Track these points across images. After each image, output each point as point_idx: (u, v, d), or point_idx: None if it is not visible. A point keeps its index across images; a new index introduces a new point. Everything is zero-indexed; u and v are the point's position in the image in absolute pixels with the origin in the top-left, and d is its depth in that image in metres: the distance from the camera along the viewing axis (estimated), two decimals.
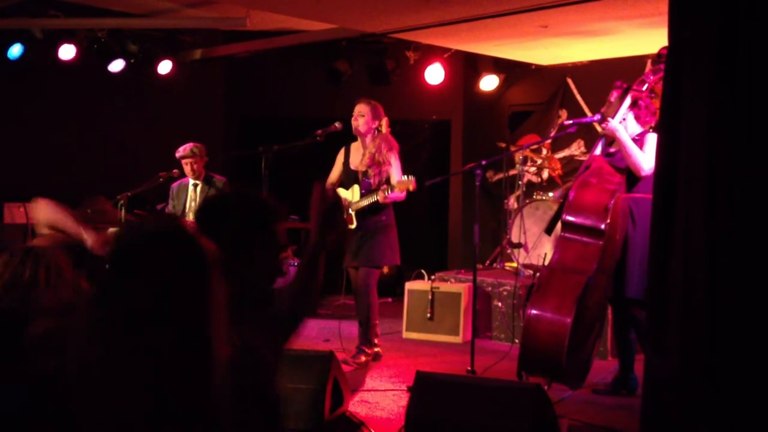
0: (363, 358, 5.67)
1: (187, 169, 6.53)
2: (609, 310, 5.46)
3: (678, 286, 2.91)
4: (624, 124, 4.80)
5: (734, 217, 2.76)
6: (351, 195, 5.75)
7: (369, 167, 5.66)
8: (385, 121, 5.73)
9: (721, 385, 2.78)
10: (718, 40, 2.79)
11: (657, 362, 3.05)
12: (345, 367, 5.53)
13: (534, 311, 4.56)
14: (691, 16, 2.91)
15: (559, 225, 4.81)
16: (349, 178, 5.82)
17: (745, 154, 2.75)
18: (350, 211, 5.70)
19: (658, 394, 3.03)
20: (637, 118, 4.84)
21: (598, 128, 7.91)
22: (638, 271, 4.58)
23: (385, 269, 6.06)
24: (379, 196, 5.51)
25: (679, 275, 2.90)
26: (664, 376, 2.97)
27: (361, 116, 5.67)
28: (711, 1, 2.83)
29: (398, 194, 5.55)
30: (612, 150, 4.95)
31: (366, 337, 5.72)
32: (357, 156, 5.79)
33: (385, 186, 5.57)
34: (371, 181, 5.65)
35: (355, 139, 5.84)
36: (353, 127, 5.71)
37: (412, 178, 5.48)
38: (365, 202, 5.63)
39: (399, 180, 5.51)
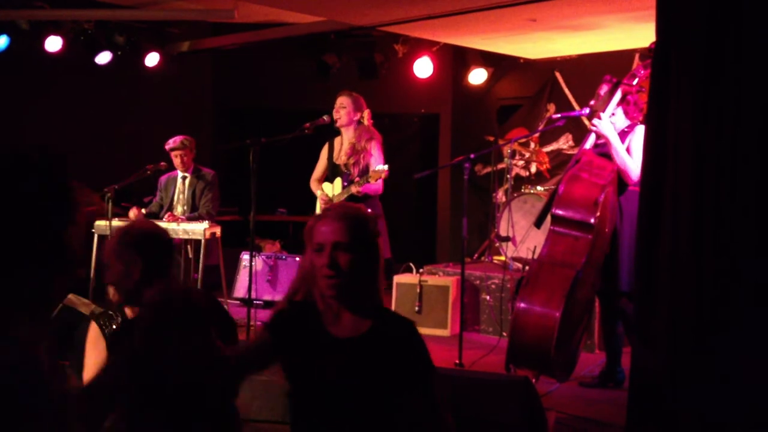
0: None
1: (177, 161, 6.51)
2: (597, 303, 5.48)
3: (665, 278, 2.92)
4: (613, 118, 4.81)
5: (721, 210, 2.78)
6: (333, 188, 5.75)
7: (349, 157, 5.66)
8: (367, 113, 5.73)
9: (707, 376, 2.80)
10: (706, 35, 2.80)
11: (644, 354, 3.07)
12: None
13: (523, 305, 4.57)
14: (678, 12, 2.92)
15: (548, 218, 4.82)
16: (333, 171, 5.82)
17: (732, 149, 2.76)
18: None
19: (644, 386, 3.05)
20: (626, 113, 4.86)
21: (587, 122, 7.96)
22: (627, 263, 4.60)
23: None
24: (353, 189, 5.48)
25: (666, 266, 2.91)
26: (651, 368, 2.99)
27: (343, 108, 5.68)
28: None
29: (374, 185, 5.52)
30: (601, 141, 4.96)
31: None
32: (339, 148, 5.79)
33: (358, 179, 5.54)
34: (352, 171, 5.65)
35: (338, 134, 5.84)
36: (335, 119, 5.71)
37: (385, 166, 5.46)
38: (344, 195, 5.61)
39: (373, 169, 5.49)
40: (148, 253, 2.74)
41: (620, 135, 4.81)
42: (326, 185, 5.81)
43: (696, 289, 2.82)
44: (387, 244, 5.76)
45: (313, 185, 5.92)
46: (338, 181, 5.73)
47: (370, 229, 2.37)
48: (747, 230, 2.74)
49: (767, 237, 2.71)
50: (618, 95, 4.79)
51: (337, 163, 5.76)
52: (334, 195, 5.71)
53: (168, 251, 2.84)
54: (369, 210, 5.65)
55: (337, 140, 5.84)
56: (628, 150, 4.75)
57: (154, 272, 2.74)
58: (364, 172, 5.61)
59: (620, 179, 4.78)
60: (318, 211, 5.88)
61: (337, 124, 5.72)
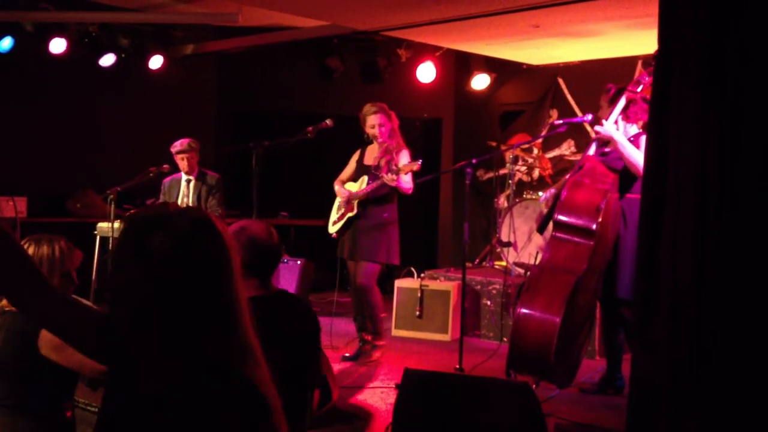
0: (377, 354, 5.78)
1: (183, 164, 6.50)
2: (597, 310, 5.48)
3: (667, 283, 2.92)
4: (617, 126, 4.80)
5: (722, 216, 2.78)
6: (358, 186, 5.76)
7: (381, 158, 5.66)
8: (393, 115, 5.77)
9: (707, 383, 2.80)
10: (707, 45, 2.80)
11: (644, 361, 3.07)
12: (359, 367, 5.62)
13: (523, 310, 4.58)
14: (680, 21, 2.93)
15: (551, 224, 4.82)
16: (360, 173, 5.82)
17: (734, 155, 2.77)
18: (353, 201, 5.72)
19: (644, 392, 3.05)
20: (626, 118, 4.85)
21: (589, 129, 7.97)
22: (629, 272, 4.59)
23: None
24: (386, 178, 5.49)
25: (668, 270, 2.92)
26: (651, 375, 2.99)
27: (381, 126, 5.67)
28: (700, 7, 2.85)
29: (406, 184, 5.55)
30: (607, 149, 4.95)
31: (376, 331, 5.82)
32: (372, 154, 5.80)
33: (394, 167, 5.55)
34: (382, 168, 5.66)
35: (371, 142, 5.84)
36: (371, 135, 5.71)
37: (418, 161, 5.50)
38: (369, 188, 5.62)
39: (404, 164, 5.52)
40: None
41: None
42: (350, 184, 5.83)
43: (697, 295, 2.83)
44: (394, 251, 5.77)
45: (337, 184, 5.93)
46: (364, 178, 5.74)
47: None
48: (749, 237, 2.75)
49: None
50: (622, 102, 4.79)
51: (366, 164, 5.76)
52: (357, 191, 5.71)
53: None
54: (385, 214, 5.69)
55: (370, 147, 5.85)
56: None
57: None
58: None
59: (622, 185, 4.77)
60: (334, 210, 5.87)
61: (380, 141, 5.70)
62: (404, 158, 5.63)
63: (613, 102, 4.84)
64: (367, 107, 5.73)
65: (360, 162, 5.83)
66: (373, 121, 5.67)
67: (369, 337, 5.83)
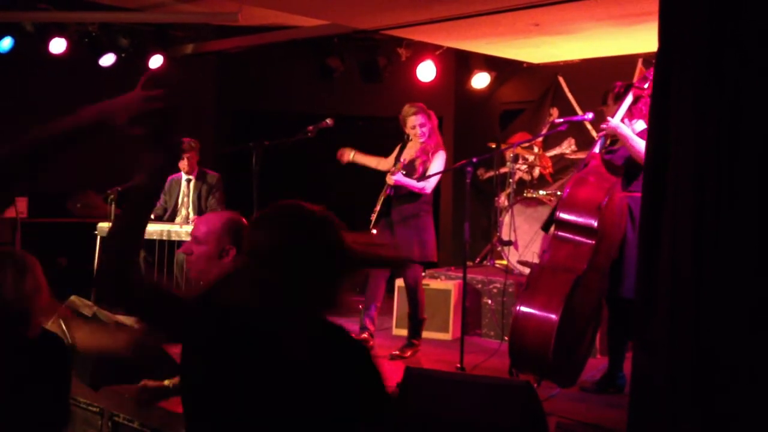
0: (410, 352, 5.85)
1: (182, 164, 6.51)
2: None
3: (666, 283, 2.92)
4: (625, 122, 4.79)
5: (720, 216, 2.78)
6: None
7: (417, 158, 5.68)
8: (432, 113, 5.79)
9: (707, 382, 2.80)
10: (706, 48, 2.80)
11: (644, 360, 3.07)
12: (393, 362, 5.64)
13: (522, 308, 4.57)
14: (679, 21, 2.93)
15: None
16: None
17: (732, 155, 2.77)
18: (380, 197, 5.82)
19: (643, 392, 3.05)
20: (633, 114, 4.83)
21: (589, 127, 7.97)
22: (633, 271, 4.56)
23: None
24: (387, 178, 5.57)
25: (667, 271, 2.92)
26: (651, 374, 2.99)
27: (423, 126, 5.69)
28: (700, 5, 2.84)
29: (415, 183, 5.59)
30: (615, 148, 4.94)
31: (416, 331, 5.93)
32: (409, 151, 5.83)
33: (402, 172, 5.61)
34: (417, 169, 5.68)
35: (409, 140, 5.86)
36: (412, 135, 5.73)
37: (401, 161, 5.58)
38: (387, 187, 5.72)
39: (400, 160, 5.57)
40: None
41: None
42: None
43: (695, 296, 2.82)
44: (429, 247, 5.79)
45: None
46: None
47: None
48: (747, 237, 2.74)
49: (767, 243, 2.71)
50: (629, 98, 4.78)
51: (403, 160, 5.79)
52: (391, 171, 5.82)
53: None
54: (415, 211, 5.71)
55: (410, 143, 5.88)
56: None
57: None
58: (422, 174, 5.65)
59: (626, 181, 4.75)
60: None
61: (422, 141, 5.72)
62: (439, 160, 5.68)
63: (619, 99, 4.83)
64: (406, 108, 5.76)
65: (397, 158, 5.88)
66: (414, 122, 5.70)
67: (416, 341, 5.96)
